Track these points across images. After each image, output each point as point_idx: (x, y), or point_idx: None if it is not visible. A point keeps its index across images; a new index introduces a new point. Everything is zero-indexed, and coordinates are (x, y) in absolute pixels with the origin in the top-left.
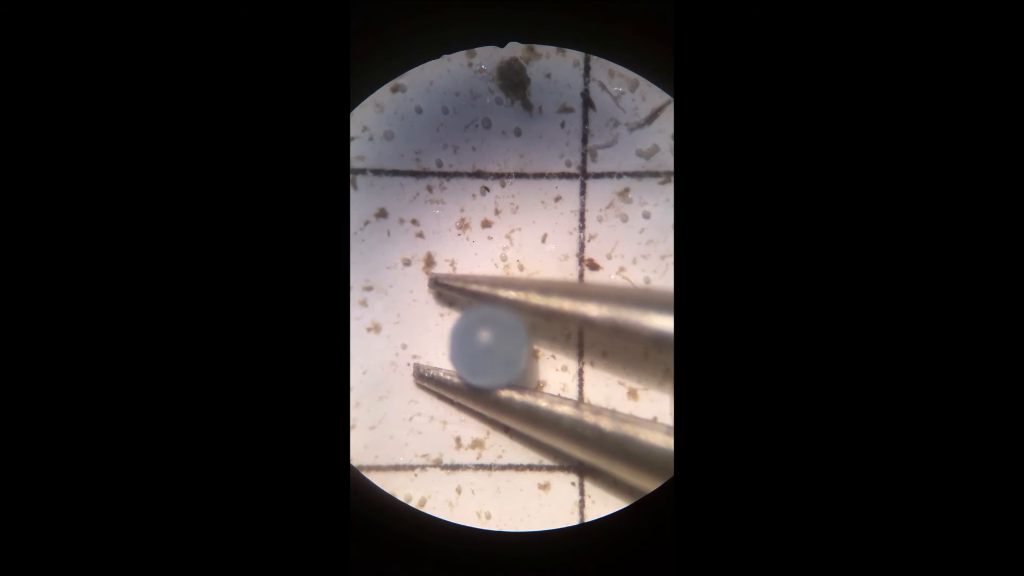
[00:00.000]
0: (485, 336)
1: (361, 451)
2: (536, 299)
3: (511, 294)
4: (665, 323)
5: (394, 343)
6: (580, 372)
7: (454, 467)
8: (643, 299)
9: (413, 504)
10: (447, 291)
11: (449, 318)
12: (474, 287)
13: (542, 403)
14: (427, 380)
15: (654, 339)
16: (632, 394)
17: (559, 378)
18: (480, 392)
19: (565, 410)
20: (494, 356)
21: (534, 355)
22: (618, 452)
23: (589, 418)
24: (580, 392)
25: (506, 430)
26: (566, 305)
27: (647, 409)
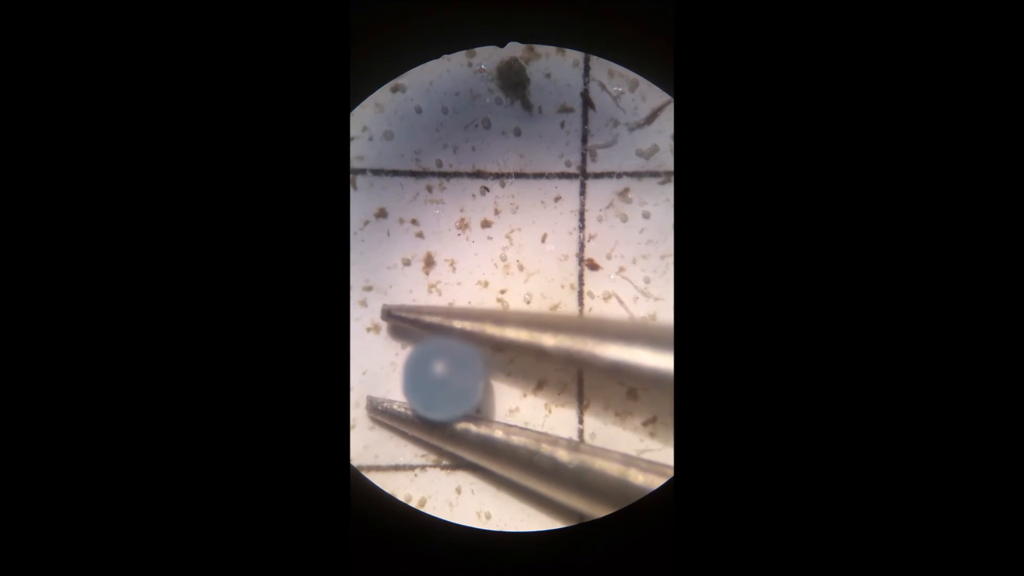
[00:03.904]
0: (440, 368)
1: (361, 451)
2: (491, 330)
3: (465, 325)
4: (621, 353)
5: (394, 343)
6: (580, 371)
7: (454, 467)
8: (599, 330)
9: (413, 504)
10: (400, 323)
11: None
12: (428, 318)
13: (498, 434)
14: (380, 413)
15: (611, 370)
16: (632, 394)
17: (558, 377)
18: (435, 425)
19: (522, 441)
20: (449, 389)
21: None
22: (573, 483)
23: (545, 449)
24: (580, 391)
25: (452, 459)
26: (522, 336)
27: (647, 409)
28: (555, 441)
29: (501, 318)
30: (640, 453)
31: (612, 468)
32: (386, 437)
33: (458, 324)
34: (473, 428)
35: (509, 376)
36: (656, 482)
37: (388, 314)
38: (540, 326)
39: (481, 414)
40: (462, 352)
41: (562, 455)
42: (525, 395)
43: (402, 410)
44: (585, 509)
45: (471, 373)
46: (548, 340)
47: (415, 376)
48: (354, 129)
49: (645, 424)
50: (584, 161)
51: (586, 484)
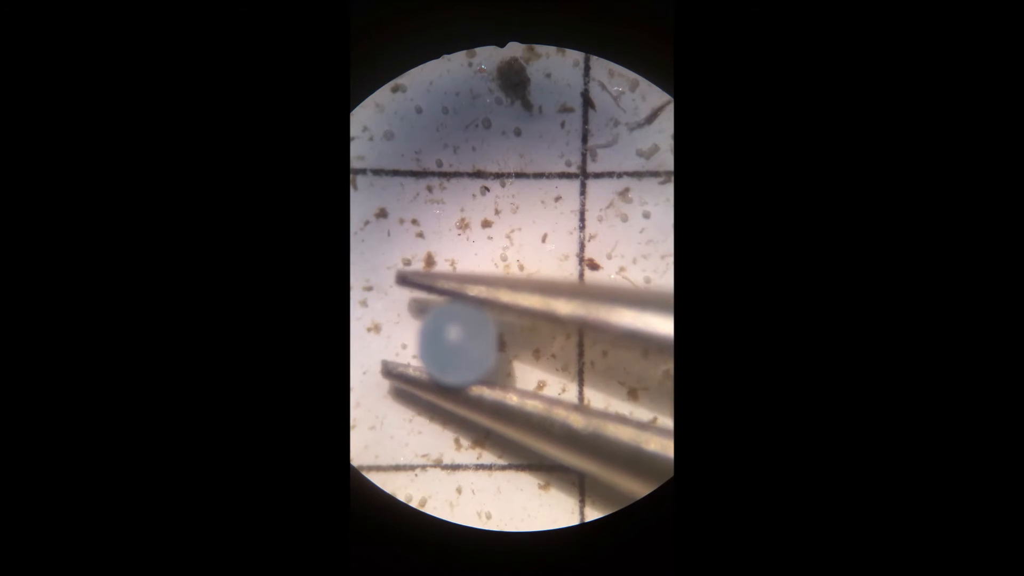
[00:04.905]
0: (454, 333)
1: (361, 451)
2: (506, 296)
3: (480, 291)
4: (634, 320)
5: (394, 343)
6: (580, 372)
7: (454, 467)
8: (612, 296)
9: (413, 504)
10: (415, 288)
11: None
12: (442, 284)
13: (512, 399)
14: (396, 377)
15: (624, 336)
16: (632, 394)
17: (559, 378)
18: (450, 390)
19: (535, 406)
20: (463, 353)
21: (534, 355)
22: (586, 449)
23: (559, 415)
24: (580, 391)
25: (471, 427)
26: (535, 302)
27: (647, 409)
28: (569, 407)
29: (515, 284)
30: None
31: (626, 434)
32: (386, 437)
33: (472, 291)
34: (487, 393)
35: (508, 376)
36: (670, 448)
37: (403, 279)
38: (554, 293)
39: (495, 379)
40: (476, 317)
41: (576, 421)
42: None
43: (417, 374)
44: (598, 473)
45: (485, 338)
46: (562, 307)
47: (430, 341)
48: (354, 129)
49: None
50: (584, 161)
51: (599, 449)
